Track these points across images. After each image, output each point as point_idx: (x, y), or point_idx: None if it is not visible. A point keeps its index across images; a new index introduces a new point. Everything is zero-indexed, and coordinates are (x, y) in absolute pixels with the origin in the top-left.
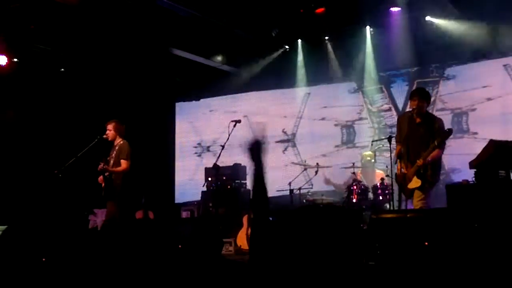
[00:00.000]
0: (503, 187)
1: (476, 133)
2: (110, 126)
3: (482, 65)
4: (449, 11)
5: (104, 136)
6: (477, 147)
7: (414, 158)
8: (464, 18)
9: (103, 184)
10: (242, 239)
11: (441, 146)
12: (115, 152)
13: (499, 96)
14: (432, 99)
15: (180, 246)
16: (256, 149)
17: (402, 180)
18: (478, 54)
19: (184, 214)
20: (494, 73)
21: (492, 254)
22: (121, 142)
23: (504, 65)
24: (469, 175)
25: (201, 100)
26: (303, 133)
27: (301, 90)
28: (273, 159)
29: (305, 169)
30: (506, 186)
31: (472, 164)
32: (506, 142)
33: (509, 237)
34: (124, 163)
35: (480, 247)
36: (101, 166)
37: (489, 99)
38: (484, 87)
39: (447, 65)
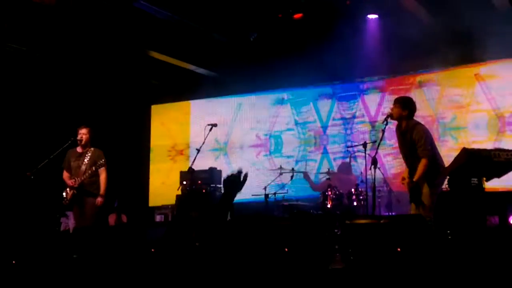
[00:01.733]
0: (475, 194)
1: (446, 141)
2: (85, 131)
3: (454, 74)
4: (425, 19)
5: (78, 138)
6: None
7: (408, 167)
8: (440, 27)
9: (70, 193)
10: None
11: (425, 154)
12: (87, 159)
13: (471, 105)
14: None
15: (153, 250)
16: (231, 181)
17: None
18: (451, 63)
19: (158, 218)
20: (466, 82)
21: (464, 260)
22: (93, 150)
23: (475, 74)
24: None
25: (177, 103)
26: (278, 138)
27: (276, 95)
28: (248, 163)
29: (281, 174)
30: (478, 194)
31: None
32: (478, 150)
33: (481, 243)
34: (104, 171)
35: (453, 253)
36: (74, 183)
37: (461, 107)
38: (456, 95)
39: (420, 72)
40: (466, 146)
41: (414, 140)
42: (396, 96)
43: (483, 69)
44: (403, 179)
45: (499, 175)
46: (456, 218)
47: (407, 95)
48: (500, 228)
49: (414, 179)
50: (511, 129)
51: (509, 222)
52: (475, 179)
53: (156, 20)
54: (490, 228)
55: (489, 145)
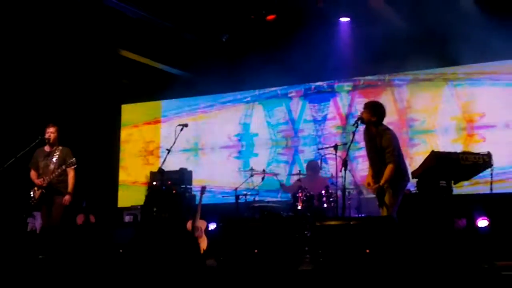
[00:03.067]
0: (444, 197)
1: (416, 144)
2: (53, 129)
3: (425, 78)
4: (396, 22)
5: (46, 137)
6: (417, 159)
7: (374, 172)
8: (410, 30)
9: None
10: None
11: (391, 160)
12: (55, 158)
13: (440, 108)
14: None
15: (121, 250)
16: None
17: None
18: (421, 66)
19: (127, 218)
20: (436, 85)
21: (432, 261)
22: (61, 148)
23: (445, 79)
24: (411, 184)
25: (148, 102)
26: (249, 139)
27: (249, 96)
28: (219, 164)
29: (252, 175)
30: (447, 196)
31: (414, 174)
32: (447, 153)
33: (448, 245)
34: (72, 170)
35: (421, 254)
36: (43, 182)
37: (430, 110)
38: (426, 98)
39: (390, 76)
40: (435, 149)
41: (383, 146)
42: (367, 99)
43: (454, 72)
44: (368, 184)
45: (467, 178)
46: (423, 220)
47: (377, 97)
48: (467, 230)
49: (381, 183)
50: (480, 132)
51: (476, 225)
52: (444, 182)
53: (127, 18)
54: (457, 230)
55: (458, 149)
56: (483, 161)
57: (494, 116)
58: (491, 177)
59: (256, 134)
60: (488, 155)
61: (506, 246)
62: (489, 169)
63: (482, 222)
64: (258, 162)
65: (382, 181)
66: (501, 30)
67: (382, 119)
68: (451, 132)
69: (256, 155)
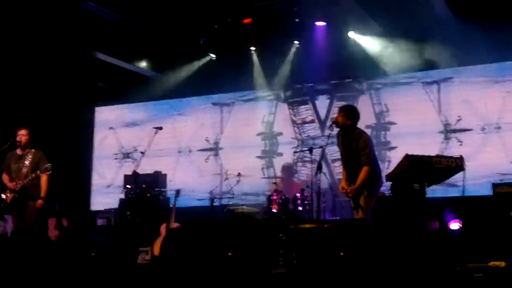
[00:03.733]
0: (417, 199)
1: (395, 148)
2: (25, 132)
3: (402, 82)
4: (372, 27)
5: (18, 139)
6: (393, 162)
7: (348, 175)
8: (387, 35)
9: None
10: (159, 248)
11: (367, 163)
12: (28, 161)
13: (419, 112)
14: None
15: (93, 254)
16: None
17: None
18: (398, 70)
19: (100, 222)
20: (414, 90)
21: (405, 264)
22: (34, 151)
23: (422, 83)
24: (385, 187)
25: (123, 105)
26: (226, 142)
27: (225, 99)
28: (195, 167)
29: (227, 179)
30: (420, 199)
31: (388, 177)
32: (421, 156)
33: (422, 247)
34: (46, 175)
35: (394, 257)
36: (15, 185)
37: (408, 114)
38: (404, 102)
39: (368, 80)
40: (411, 153)
41: (359, 148)
42: (345, 103)
43: (430, 76)
44: (343, 188)
45: (440, 181)
46: (397, 223)
47: (355, 100)
48: (440, 233)
49: (356, 185)
50: (456, 136)
51: (449, 227)
52: (417, 185)
53: (103, 21)
54: (430, 233)
55: (434, 152)
56: (455, 165)
57: (470, 119)
58: (463, 180)
59: (235, 137)
60: (461, 158)
61: (477, 248)
62: (462, 172)
63: (454, 225)
64: (235, 165)
65: (357, 183)
66: (476, 35)
67: (357, 123)
68: (427, 136)
69: (234, 158)
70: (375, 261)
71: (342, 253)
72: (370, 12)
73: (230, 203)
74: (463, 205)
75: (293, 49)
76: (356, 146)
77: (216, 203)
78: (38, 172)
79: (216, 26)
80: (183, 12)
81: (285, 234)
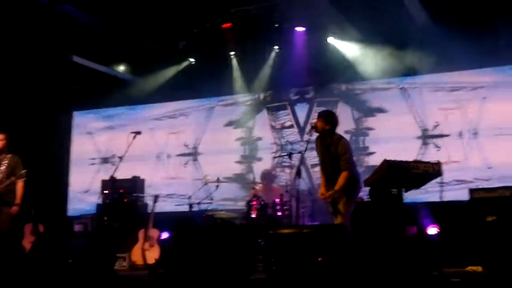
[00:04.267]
0: (395, 205)
1: (374, 153)
2: (1, 136)
3: (381, 87)
4: (351, 33)
5: None
6: (372, 167)
7: (328, 181)
8: (366, 41)
9: None
10: (137, 254)
11: (346, 167)
12: (4, 167)
13: (396, 117)
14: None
15: (70, 260)
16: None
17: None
18: (377, 76)
19: (77, 228)
20: (391, 95)
21: (383, 269)
22: (10, 156)
23: (401, 88)
24: (363, 193)
25: (101, 109)
26: (205, 147)
27: (205, 104)
28: (173, 173)
29: (206, 184)
30: (398, 204)
31: (366, 183)
32: (399, 162)
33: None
34: (21, 182)
35: (372, 262)
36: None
37: (386, 119)
38: (382, 108)
39: (347, 85)
40: (389, 158)
41: (339, 153)
42: (323, 108)
43: (409, 82)
44: (322, 194)
45: (417, 186)
46: (375, 228)
47: (335, 106)
48: (417, 238)
49: (334, 189)
50: (434, 141)
51: (427, 232)
52: (395, 190)
53: (80, 24)
54: (408, 238)
55: (413, 157)
56: (433, 170)
57: (448, 125)
58: (441, 185)
59: (214, 142)
60: (438, 164)
61: (455, 253)
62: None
63: (432, 230)
64: (214, 170)
65: (336, 187)
66: (454, 42)
67: (335, 128)
68: (406, 141)
69: (213, 163)
70: (354, 266)
71: (320, 258)
72: (349, 17)
73: (209, 208)
74: (441, 210)
75: (272, 54)
76: (335, 150)
77: (195, 209)
78: (13, 178)
79: (195, 31)
80: (161, 16)
81: (264, 239)
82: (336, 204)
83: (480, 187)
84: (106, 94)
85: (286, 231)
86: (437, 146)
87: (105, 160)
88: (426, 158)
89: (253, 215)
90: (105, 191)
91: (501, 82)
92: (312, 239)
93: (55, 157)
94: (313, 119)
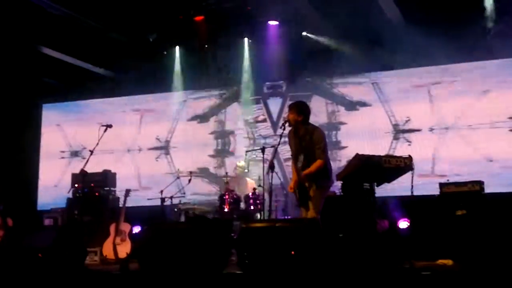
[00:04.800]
0: (367, 198)
1: (346, 147)
2: None
3: (354, 82)
4: (325, 28)
5: None
6: (344, 161)
7: (300, 170)
8: (340, 36)
9: None
10: (108, 249)
11: (321, 157)
12: None
13: (368, 112)
14: None
15: (40, 255)
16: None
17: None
18: (350, 70)
19: (47, 222)
20: (364, 90)
21: (356, 263)
22: None
23: (373, 83)
24: (336, 187)
25: (71, 102)
26: (178, 141)
27: (177, 97)
28: (145, 166)
29: (178, 178)
30: (369, 198)
31: (339, 177)
32: (371, 156)
33: (372, 245)
34: None
35: (344, 255)
36: None
37: (359, 114)
38: (355, 102)
39: (320, 80)
40: (362, 152)
41: (314, 141)
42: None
43: (381, 77)
44: (291, 188)
45: (389, 180)
46: (347, 222)
47: (308, 100)
48: (389, 231)
49: (305, 172)
50: (405, 136)
51: (398, 226)
52: (367, 184)
53: (50, 15)
54: (380, 231)
55: (384, 152)
56: (405, 164)
57: (419, 120)
58: (412, 179)
59: (186, 135)
60: (410, 158)
61: (425, 247)
62: (410, 172)
63: (403, 224)
64: (186, 164)
65: (307, 171)
66: (426, 38)
67: (308, 117)
68: (377, 136)
69: (185, 157)
70: (326, 260)
71: (293, 252)
72: (323, 12)
73: (181, 202)
74: (411, 204)
75: (246, 48)
76: (310, 139)
77: (167, 203)
78: None
79: (167, 23)
80: (133, 9)
81: (237, 233)
82: (306, 195)
83: (450, 181)
84: (77, 87)
85: (259, 225)
86: (408, 141)
87: (75, 154)
88: (398, 153)
89: (226, 209)
90: (75, 185)
91: (472, 78)
92: (285, 233)
93: (24, 150)
94: (286, 113)
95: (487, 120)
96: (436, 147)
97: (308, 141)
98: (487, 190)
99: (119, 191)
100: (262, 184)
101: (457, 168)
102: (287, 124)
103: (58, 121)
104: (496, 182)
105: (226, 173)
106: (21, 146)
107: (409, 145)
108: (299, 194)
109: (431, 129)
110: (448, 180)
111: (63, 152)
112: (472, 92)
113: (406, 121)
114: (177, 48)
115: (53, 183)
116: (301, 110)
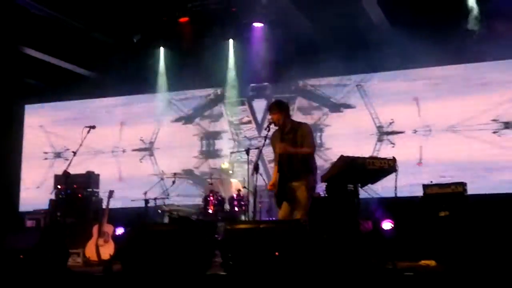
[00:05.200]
0: (351, 200)
1: (330, 149)
2: None
3: (338, 84)
4: (309, 30)
5: None
6: (328, 163)
7: (288, 168)
8: (323, 38)
9: None
10: (91, 250)
11: (311, 147)
12: None
13: (352, 114)
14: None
15: (22, 256)
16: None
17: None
18: (335, 73)
19: (29, 223)
20: (348, 92)
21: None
22: None
23: (357, 85)
24: (320, 189)
25: (54, 103)
26: (162, 142)
27: (161, 98)
28: (129, 168)
29: (162, 179)
30: (353, 200)
31: (323, 179)
32: (355, 158)
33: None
34: None
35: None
36: None
37: (343, 116)
38: (340, 104)
39: (305, 82)
40: (346, 154)
41: (303, 135)
42: None
43: (365, 79)
44: (273, 185)
45: (373, 182)
46: (331, 223)
47: (292, 102)
48: (373, 232)
49: (290, 149)
50: (389, 138)
51: (381, 227)
52: (351, 186)
53: (33, 16)
54: (363, 232)
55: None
56: (388, 166)
57: (402, 122)
58: (396, 181)
59: (170, 137)
60: (393, 160)
61: (408, 248)
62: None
63: (387, 225)
64: (170, 165)
65: (293, 150)
66: (410, 41)
67: (289, 113)
68: (361, 137)
69: (169, 158)
70: (310, 261)
71: (277, 253)
72: (307, 15)
73: (165, 204)
74: (395, 206)
75: (230, 49)
76: (299, 133)
77: (151, 204)
78: None
79: (152, 24)
80: (117, 9)
81: (221, 234)
82: (291, 194)
83: (434, 183)
84: (60, 88)
85: (243, 226)
86: (392, 143)
87: (58, 155)
88: (382, 155)
89: (210, 211)
90: (58, 186)
91: (455, 80)
92: (269, 234)
93: (6, 151)
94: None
95: (471, 122)
96: (420, 149)
97: (297, 135)
98: (470, 191)
99: (103, 192)
100: (246, 186)
101: (440, 169)
102: (272, 126)
103: (41, 122)
104: (479, 183)
105: (211, 174)
106: (3, 147)
107: (393, 147)
108: (280, 191)
109: (415, 131)
110: (431, 182)
111: (46, 153)
112: (456, 94)
113: (390, 123)
114: (162, 49)
115: (36, 184)
116: (281, 106)
